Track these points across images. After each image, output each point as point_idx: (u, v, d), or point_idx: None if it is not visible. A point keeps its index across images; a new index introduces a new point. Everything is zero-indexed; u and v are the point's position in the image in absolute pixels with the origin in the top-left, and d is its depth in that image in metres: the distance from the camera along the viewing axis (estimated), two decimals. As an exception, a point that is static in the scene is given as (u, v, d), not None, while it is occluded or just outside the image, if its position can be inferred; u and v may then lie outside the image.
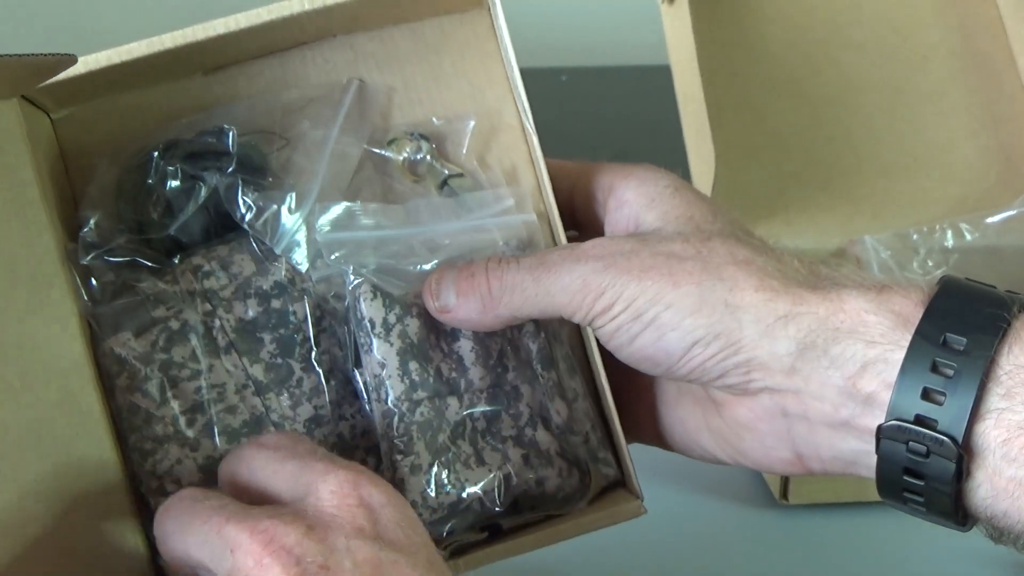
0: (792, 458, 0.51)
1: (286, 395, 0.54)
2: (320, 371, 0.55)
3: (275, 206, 0.55)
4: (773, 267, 0.49)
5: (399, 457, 0.53)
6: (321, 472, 0.44)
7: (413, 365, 0.53)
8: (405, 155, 0.59)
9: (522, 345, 0.55)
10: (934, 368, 0.45)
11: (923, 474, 0.46)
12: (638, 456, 0.56)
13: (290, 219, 0.56)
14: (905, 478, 0.46)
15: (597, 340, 0.54)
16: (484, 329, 0.54)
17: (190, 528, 0.44)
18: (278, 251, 0.56)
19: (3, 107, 0.54)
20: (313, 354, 0.55)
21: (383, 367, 0.53)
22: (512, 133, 0.59)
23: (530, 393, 0.54)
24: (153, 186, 0.56)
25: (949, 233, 0.69)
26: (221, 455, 0.52)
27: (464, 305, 0.52)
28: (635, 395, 0.57)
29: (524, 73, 1.11)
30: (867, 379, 0.46)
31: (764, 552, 0.73)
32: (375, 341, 0.53)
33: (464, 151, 0.59)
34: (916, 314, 0.46)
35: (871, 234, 0.69)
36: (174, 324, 0.54)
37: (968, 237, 0.69)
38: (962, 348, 0.45)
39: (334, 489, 0.43)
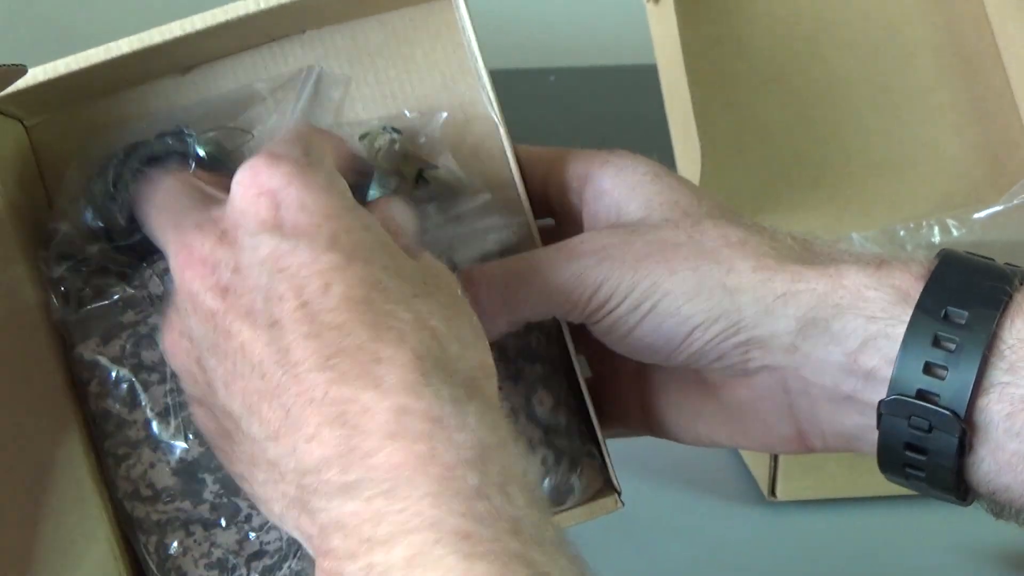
0: (794, 435, 0.51)
1: None
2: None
3: None
4: (768, 246, 0.49)
5: None
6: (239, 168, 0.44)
7: None
8: (378, 148, 0.58)
9: (505, 343, 0.54)
10: (936, 342, 0.45)
11: (925, 449, 0.46)
12: (625, 452, 0.56)
13: None
14: (907, 453, 0.46)
15: (571, 332, 0.54)
16: (489, 338, 0.53)
17: (154, 220, 0.47)
18: None
19: None
20: None
21: None
22: (486, 124, 0.58)
23: (512, 387, 0.54)
24: (117, 192, 0.56)
25: (936, 229, 0.69)
26: (194, 458, 0.52)
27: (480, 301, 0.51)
28: (623, 384, 0.56)
29: (513, 74, 1.11)
30: (868, 355, 0.46)
31: (753, 548, 0.73)
32: None
33: (438, 143, 0.59)
34: (916, 288, 0.46)
35: (858, 231, 0.69)
36: (143, 329, 0.54)
37: (955, 233, 0.69)
38: (964, 322, 0.45)
39: (239, 180, 0.43)
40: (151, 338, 0.54)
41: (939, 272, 0.46)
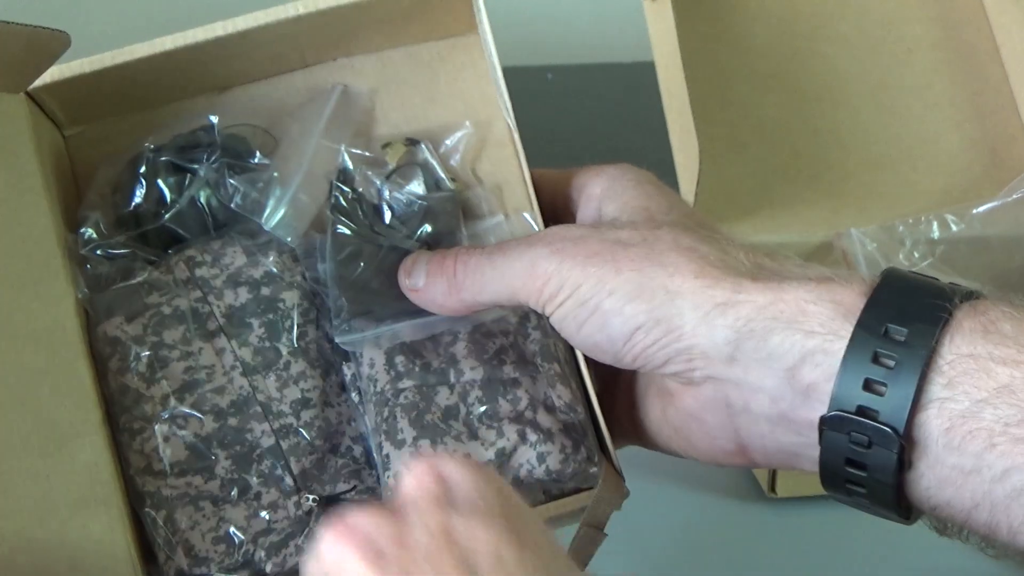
0: (736, 449, 0.51)
1: (273, 377, 0.55)
2: (307, 357, 0.55)
3: (261, 184, 0.57)
4: (716, 256, 0.49)
5: (383, 438, 0.54)
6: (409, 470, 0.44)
7: (399, 359, 0.54)
8: (399, 160, 0.60)
9: (524, 345, 0.56)
10: (875, 359, 0.45)
11: (865, 464, 0.46)
12: (625, 449, 0.57)
13: (276, 196, 0.57)
14: (848, 469, 0.46)
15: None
16: (448, 312, 0.54)
17: None
18: (267, 227, 0.57)
19: (9, 100, 0.56)
20: (301, 341, 0.55)
21: (372, 366, 0.55)
22: (503, 149, 0.61)
23: (530, 384, 0.55)
24: (146, 178, 0.58)
25: (935, 225, 0.69)
26: (208, 433, 0.54)
27: (431, 286, 0.54)
28: (618, 395, 0.57)
29: (510, 71, 1.10)
30: (806, 370, 0.46)
31: (753, 545, 0.73)
32: (365, 348, 0.55)
33: (458, 157, 0.61)
34: (858, 305, 0.46)
35: (857, 227, 0.69)
36: (166, 309, 0.55)
37: (954, 228, 0.69)
38: (903, 339, 0.45)
39: (414, 474, 0.42)
40: (173, 318, 0.55)
41: (881, 290, 0.46)
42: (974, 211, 0.69)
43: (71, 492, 0.52)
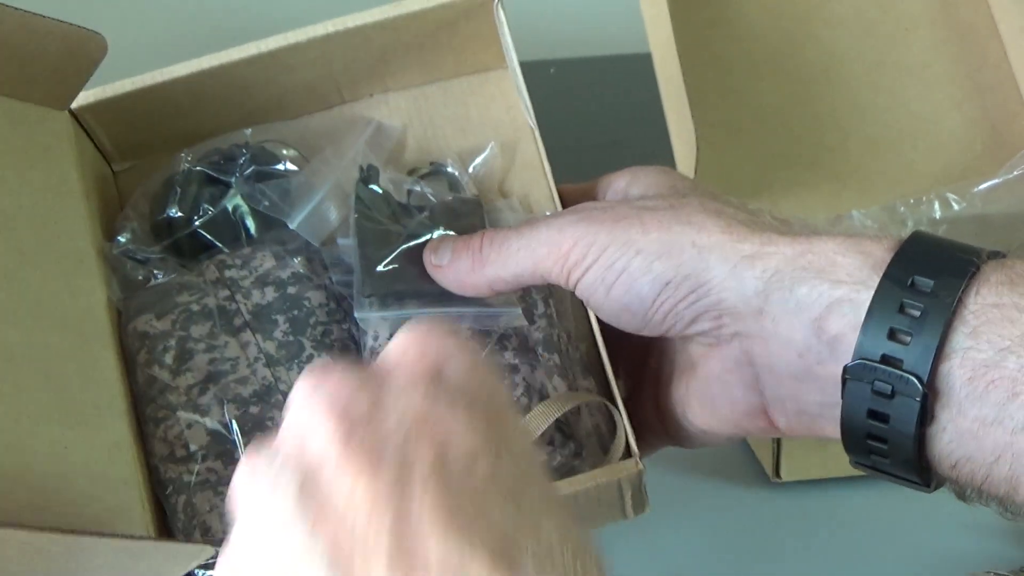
0: (759, 413, 0.51)
1: (296, 369, 0.56)
2: (331, 352, 0.56)
3: (290, 188, 0.59)
4: (744, 216, 0.50)
5: None
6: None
7: None
8: (424, 177, 0.62)
9: (528, 333, 0.56)
10: (901, 309, 0.45)
11: (887, 416, 0.46)
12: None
13: (303, 200, 0.59)
14: (869, 422, 0.46)
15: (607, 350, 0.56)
16: (471, 291, 0.55)
17: None
18: (292, 226, 0.59)
19: (55, 116, 0.59)
20: (325, 338, 0.57)
21: (376, 339, 0.56)
22: (531, 170, 0.63)
23: (528, 372, 0.55)
24: (181, 187, 0.61)
25: (936, 204, 0.68)
26: (229, 422, 0.55)
27: (456, 262, 0.54)
28: (644, 397, 0.57)
29: (513, 67, 1.09)
30: (832, 320, 0.46)
31: (758, 529, 0.73)
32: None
33: (484, 174, 0.63)
34: (885, 258, 0.46)
35: (858, 209, 0.69)
36: (194, 307, 0.57)
37: (956, 207, 0.68)
38: (929, 290, 0.45)
39: (410, 340, 0.40)
40: (201, 315, 0.57)
41: (908, 244, 0.47)
42: (975, 189, 0.68)
43: (90, 466, 0.52)
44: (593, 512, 0.55)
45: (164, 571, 0.52)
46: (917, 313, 0.45)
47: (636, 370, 0.58)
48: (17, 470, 0.49)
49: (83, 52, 0.58)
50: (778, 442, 0.72)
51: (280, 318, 0.57)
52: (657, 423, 0.57)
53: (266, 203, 0.60)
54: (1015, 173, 0.68)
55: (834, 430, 0.48)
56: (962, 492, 0.47)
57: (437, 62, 0.64)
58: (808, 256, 0.47)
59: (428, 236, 0.58)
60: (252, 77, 0.61)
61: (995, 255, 0.47)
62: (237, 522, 0.38)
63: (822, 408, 0.48)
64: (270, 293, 0.57)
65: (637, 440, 0.55)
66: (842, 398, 0.46)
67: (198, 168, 0.61)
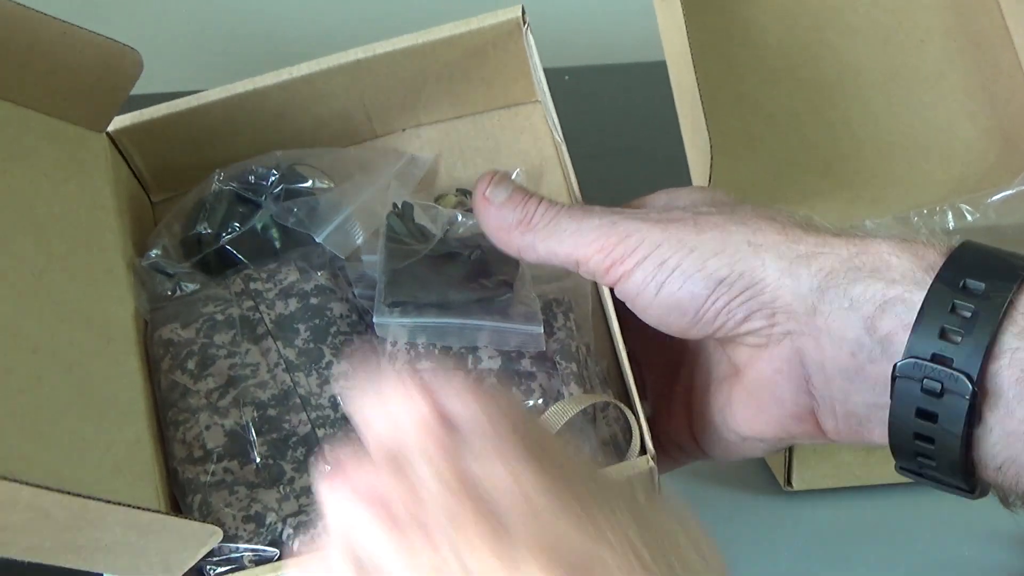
0: (807, 413, 0.51)
1: (315, 375, 0.57)
2: (350, 360, 0.57)
3: (317, 204, 0.61)
4: (799, 219, 0.50)
5: None
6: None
7: (421, 339, 0.56)
8: (452, 209, 0.63)
9: (546, 343, 0.57)
10: (952, 310, 0.46)
11: (936, 415, 0.46)
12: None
13: (331, 215, 0.61)
14: (917, 421, 0.46)
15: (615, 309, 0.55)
16: (503, 243, 0.54)
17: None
18: (319, 239, 0.60)
19: (93, 137, 0.61)
20: (345, 347, 0.57)
21: (394, 344, 0.56)
22: (558, 197, 0.62)
23: (546, 379, 0.56)
24: (211, 205, 0.62)
25: (950, 215, 0.68)
26: (247, 423, 0.55)
27: (506, 208, 0.54)
28: (672, 410, 0.57)
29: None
30: (886, 319, 0.47)
31: (769, 538, 0.73)
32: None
33: None
34: (938, 261, 0.47)
35: (872, 218, 0.69)
36: (219, 316, 0.58)
37: (969, 218, 0.68)
38: (981, 292, 0.46)
39: (413, 410, 0.40)
40: (224, 324, 0.58)
41: (961, 249, 0.48)
42: (989, 200, 0.68)
43: (108, 460, 0.53)
44: None
45: (173, 554, 0.52)
46: (968, 314, 0.45)
47: (665, 385, 0.58)
48: (33, 458, 0.50)
49: (119, 68, 0.59)
50: (790, 451, 0.72)
51: (302, 327, 0.58)
52: (688, 437, 0.57)
53: (293, 219, 0.61)
54: (1029, 184, 0.68)
55: (881, 434, 0.48)
56: (1006, 497, 0.48)
57: (467, 94, 0.65)
58: (862, 256, 0.48)
59: (454, 252, 0.58)
60: (285, 103, 0.62)
61: None
62: None
63: (870, 409, 0.49)
64: (293, 304, 0.58)
65: (662, 456, 0.54)
66: (891, 397, 0.47)
67: (229, 187, 0.62)
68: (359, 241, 0.61)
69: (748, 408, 0.53)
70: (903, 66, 0.75)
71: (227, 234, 0.62)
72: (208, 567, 0.53)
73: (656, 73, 0.78)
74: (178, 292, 0.60)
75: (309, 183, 0.62)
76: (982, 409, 0.45)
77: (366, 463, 0.40)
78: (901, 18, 0.77)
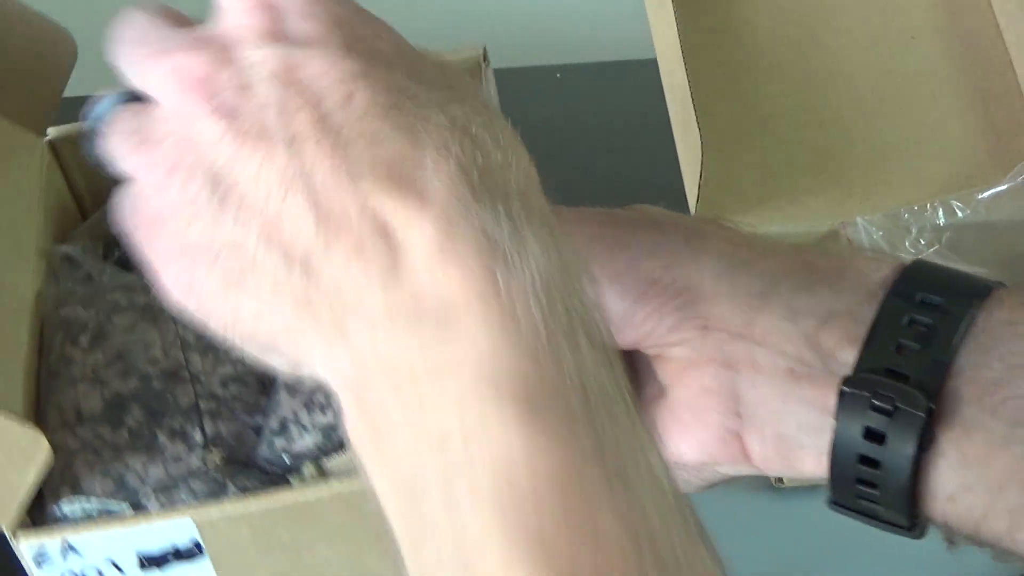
0: (732, 435, 0.46)
1: (211, 356, 0.57)
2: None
3: None
4: (746, 231, 0.47)
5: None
6: None
7: None
8: None
9: None
10: (909, 323, 0.42)
11: (885, 435, 0.41)
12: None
13: None
14: (864, 443, 0.42)
15: None
16: None
17: (128, 56, 0.39)
18: None
19: (33, 142, 0.61)
20: None
21: None
22: None
23: None
24: None
25: (941, 211, 0.69)
26: (128, 392, 0.56)
27: None
28: None
29: (520, 72, 1.11)
30: (830, 331, 0.43)
31: (760, 535, 0.73)
32: None
33: None
34: (892, 274, 0.43)
35: (863, 215, 0.69)
36: (123, 301, 0.59)
37: (960, 214, 0.68)
38: (939, 306, 0.42)
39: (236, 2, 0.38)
40: (128, 308, 0.58)
41: (916, 264, 0.44)
42: (980, 196, 0.68)
43: None
44: None
45: (6, 470, 0.52)
46: (925, 328, 0.42)
47: None
48: None
49: (52, 51, 0.58)
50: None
51: None
52: None
53: None
54: (1020, 180, 0.68)
55: (813, 462, 0.44)
56: (951, 534, 0.43)
57: None
58: (808, 266, 0.44)
59: None
60: None
61: (1004, 284, 0.43)
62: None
63: (804, 434, 0.44)
64: None
65: None
66: (836, 416, 0.42)
67: None
68: None
69: (671, 430, 0.47)
70: (894, 64, 0.75)
71: None
72: (56, 508, 0.54)
73: (647, 71, 0.78)
74: (87, 282, 0.61)
75: None
76: (936, 430, 0.41)
77: (192, 46, 0.37)
78: (892, 16, 0.77)
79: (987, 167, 0.72)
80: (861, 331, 0.42)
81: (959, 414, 0.41)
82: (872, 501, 0.43)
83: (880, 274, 0.44)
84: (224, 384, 0.56)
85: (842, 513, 0.45)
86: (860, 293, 0.43)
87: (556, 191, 0.96)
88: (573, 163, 0.93)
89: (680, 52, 0.68)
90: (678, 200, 0.71)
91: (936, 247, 0.68)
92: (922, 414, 0.41)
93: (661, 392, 0.48)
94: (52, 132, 0.63)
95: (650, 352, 0.47)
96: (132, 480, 0.55)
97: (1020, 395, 0.40)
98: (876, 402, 0.41)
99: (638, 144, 0.94)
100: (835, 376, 0.42)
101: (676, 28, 0.69)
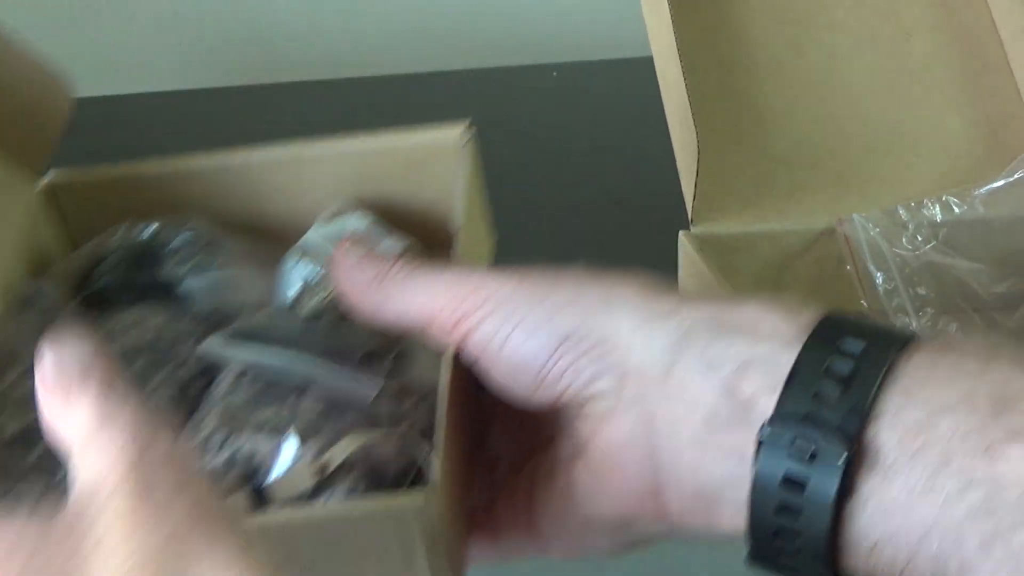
0: (649, 491, 0.45)
1: None
2: (176, 391, 0.55)
3: (202, 259, 0.60)
4: (664, 285, 0.46)
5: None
6: None
7: (248, 378, 0.53)
8: (350, 227, 0.62)
9: (381, 410, 0.53)
10: (828, 369, 0.41)
11: (804, 483, 0.41)
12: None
13: (207, 270, 0.60)
14: (782, 491, 0.41)
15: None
16: (356, 302, 0.50)
17: None
18: (186, 289, 0.60)
19: (24, 186, 0.61)
20: (180, 378, 0.56)
21: (223, 382, 0.54)
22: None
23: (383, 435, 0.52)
24: (113, 250, 0.62)
25: (937, 208, 0.69)
26: (26, 426, 0.54)
27: (362, 265, 0.50)
28: (515, 495, 0.51)
29: (516, 70, 1.11)
30: (748, 380, 0.42)
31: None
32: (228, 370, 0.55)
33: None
34: (811, 322, 0.43)
35: (860, 213, 0.69)
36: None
37: (956, 211, 0.69)
38: (859, 351, 0.41)
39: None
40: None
41: (834, 313, 0.43)
42: (976, 193, 0.69)
43: None
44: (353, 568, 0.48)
45: None
46: (846, 373, 0.41)
47: (518, 467, 0.52)
48: None
49: (49, 102, 0.58)
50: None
51: (143, 357, 0.56)
52: (523, 526, 0.50)
53: (170, 266, 0.61)
54: (1016, 176, 0.68)
55: (732, 516, 0.43)
56: None
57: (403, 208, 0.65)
58: (726, 315, 0.44)
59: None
60: (225, 186, 0.64)
61: (918, 334, 0.43)
62: None
63: (723, 486, 0.43)
64: (143, 337, 0.57)
65: (494, 544, 0.50)
66: (754, 463, 0.41)
67: (134, 238, 0.62)
68: (223, 300, 0.60)
69: (590, 486, 0.47)
70: (890, 60, 0.75)
71: (118, 280, 0.62)
72: None
73: (643, 69, 0.78)
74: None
75: (211, 249, 0.62)
76: (856, 478, 0.40)
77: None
78: (887, 13, 0.77)
79: (983, 164, 0.72)
80: (779, 379, 0.42)
81: (879, 460, 0.40)
82: (792, 553, 0.42)
83: (798, 324, 0.43)
84: None
85: (761, 570, 0.44)
86: (777, 342, 0.43)
87: (551, 190, 0.98)
88: (568, 162, 0.93)
89: (676, 50, 0.68)
90: (675, 198, 0.71)
91: (933, 243, 0.68)
92: (841, 461, 0.40)
93: (579, 450, 0.47)
94: (52, 175, 0.63)
95: (569, 408, 0.47)
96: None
97: (940, 441, 0.39)
98: (795, 449, 0.41)
99: (634, 142, 0.94)
100: (754, 425, 0.42)
101: (672, 26, 0.69)
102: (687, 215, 0.70)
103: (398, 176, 0.64)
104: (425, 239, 0.64)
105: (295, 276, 0.59)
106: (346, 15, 1.18)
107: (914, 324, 0.67)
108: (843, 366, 0.41)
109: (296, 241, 0.62)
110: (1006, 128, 0.73)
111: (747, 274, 0.70)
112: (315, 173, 0.64)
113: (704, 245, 0.68)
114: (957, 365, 0.41)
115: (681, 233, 0.70)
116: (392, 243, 0.61)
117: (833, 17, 0.77)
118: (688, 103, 0.67)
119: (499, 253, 0.82)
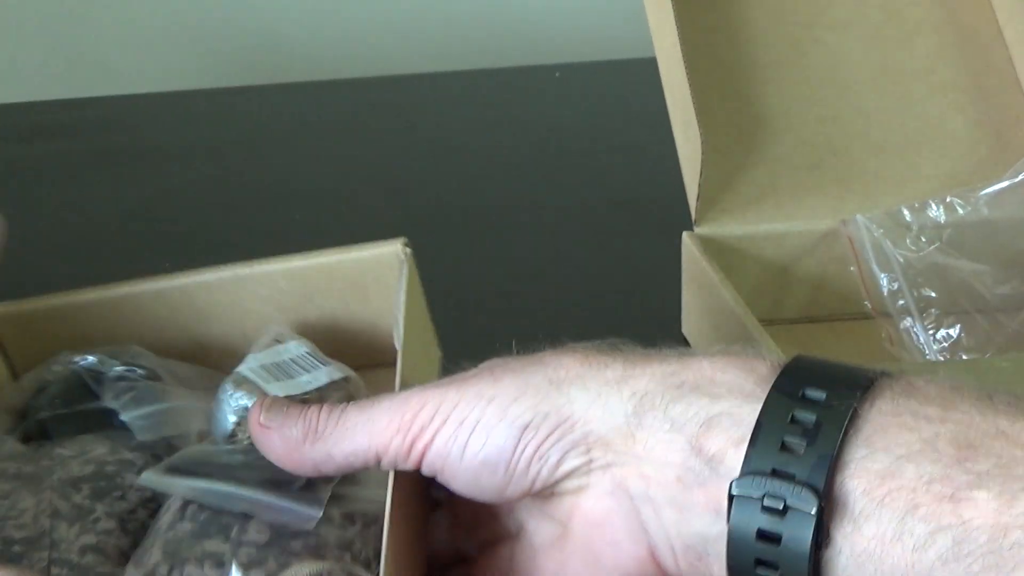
0: (646, 554, 0.45)
1: (77, 526, 0.55)
2: (123, 524, 0.55)
3: (142, 390, 0.60)
4: (604, 349, 0.46)
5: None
6: None
7: (192, 508, 0.53)
8: (287, 355, 0.61)
9: (328, 536, 0.52)
10: (792, 420, 0.41)
11: (780, 536, 0.41)
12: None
13: (148, 401, 0.60)
14: (758, 545, 0.41)
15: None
16: (292, 465, 0.49)
17: None
18: (122, 417, 0.59)
19: None
20: (123, 512, 0.55)
21: (167, 511, 0.54)
22: None
23: (335, 563, 0.51)
24: (49, 382, 0.62)
25: (941, 209, 0.69)
26: None
27: (285, 428, 0.49)
28: None
29: (520, 71, 1.11)
30: (712, 437, 0.42)
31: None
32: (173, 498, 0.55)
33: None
34: (771, 373, 0.43)
35: (863, 213, 0.69)
36: (11, 469, 0.57)
37: (960, 212, 0.68)
38: (822, 400, 0.41)
39: None
40: (12, 476, 0.57)
41: (796, 361, 0.43)
42: (980, 194, 0.68)
43: None
44: None
45: None
46: (810, 423, 0.41)
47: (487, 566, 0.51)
48: None
49: None
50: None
51: (86, 486, 0.56)
52: None
53: (110, 397, 0.60)
54: (1020, 177, 0.68)
55: (721, 567, 0.43)
56: None
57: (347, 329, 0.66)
58: (681, 374, 0.44)
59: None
60: (166, 310, 0.64)
61: (886, 373, 0.43)
62: None
63: (706, 541, 0.43)
64: (88, 468, 0.57)
65: None
66: (728, 520, 0.42)
67: (72, 367, 0.62)
68: (164, 433, 0.59)
69: (584, 563, 0.47)
70: (893, 61, 0.75)
71: (55, 412, 0.61)
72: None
73: (646, 70, 0.78)
74: None
75: (150, 381, 0.62)
76: (829, 527, 0.40)
77: None
78: (891, 13, 0.77)
79: (987, 164, 0.72)
80: (744, 432, 0.42)
81: (848, 509, 0.40)
82: None
83: (759, 372, 0.43)
84: (82, 553, 0.54)
85: None
86: (737, 396, 0.43)
87: (554, 191, 0.98)
88: (573, 162, 0.93)
89: (680, 51, 0.68)
90: (678, 199, 0.71)
91: (937, 244, 0.68)
92: (813, 512, 0.40)
93: (561, 533, 0.47)
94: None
95: (543, 496, 0.47)
96: None
97: (907, 486, 0.40)
98: (767, 504, 0.41)
99: (637, 143, 0.94)
100: (723, 480, 0.42)
101: (676, 27, 0.68)
102: (691, 216, 0.69)
103: (340, 294, 0.65)
104: (372, 357, 0.65)
105: (231, 407, 0.57)
106: (346, 16, 1.18)
107: (919, 325, 0.67)
108: (807, 416, 0.41)
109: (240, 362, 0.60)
110: (1010, 129, 0.73)
111: (751, 275, 0.70)
112: (257, 294, 0.64)
113: (708, 246, 0.68)
114: (918, 411, 0.41)
115: (685, 234, 0.70)
116: (330, 371, 0.60)
117: (836, 17, 0.76)
118: (692, 104, 0.67)
119: (502, 254, 0.82)
